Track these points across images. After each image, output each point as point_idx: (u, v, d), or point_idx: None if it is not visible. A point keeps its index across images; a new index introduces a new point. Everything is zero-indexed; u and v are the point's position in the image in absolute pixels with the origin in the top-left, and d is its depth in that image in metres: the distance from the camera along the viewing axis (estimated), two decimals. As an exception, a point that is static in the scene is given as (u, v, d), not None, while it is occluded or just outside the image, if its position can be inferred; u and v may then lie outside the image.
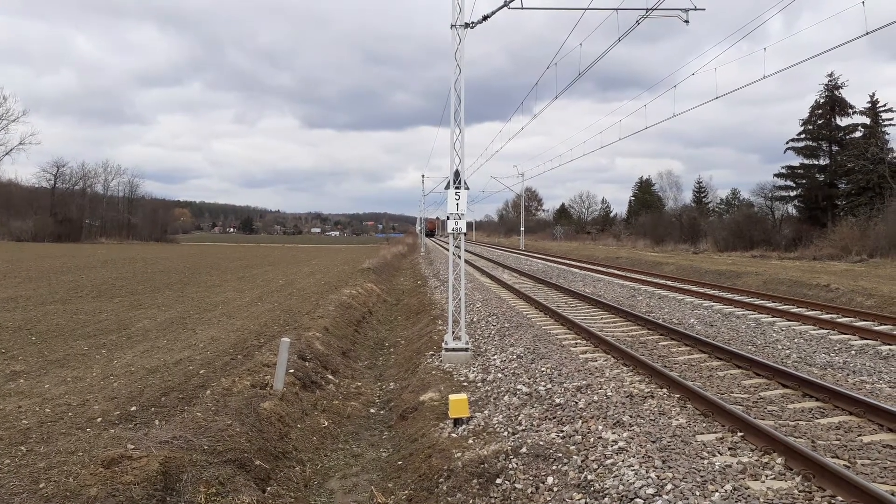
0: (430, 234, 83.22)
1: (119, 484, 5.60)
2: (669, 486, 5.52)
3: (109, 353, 12.79)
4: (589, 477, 6.06)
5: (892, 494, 5.22)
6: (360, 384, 12.04)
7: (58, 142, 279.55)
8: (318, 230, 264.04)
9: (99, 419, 8.22)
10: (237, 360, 11.88)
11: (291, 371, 10.23)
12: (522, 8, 13.13)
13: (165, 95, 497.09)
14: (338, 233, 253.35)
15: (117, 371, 11.07)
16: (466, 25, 12.55)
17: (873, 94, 51.21)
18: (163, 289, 25.74)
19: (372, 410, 10.65)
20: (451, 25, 12.41)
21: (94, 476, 5.66)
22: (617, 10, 13.89)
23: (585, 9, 13.97)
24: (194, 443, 6.73)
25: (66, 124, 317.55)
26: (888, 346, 11.82)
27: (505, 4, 13.02)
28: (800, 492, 5.44)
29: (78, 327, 15.66)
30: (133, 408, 8.79)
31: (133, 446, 6.29)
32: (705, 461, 6.08)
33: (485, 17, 12.92)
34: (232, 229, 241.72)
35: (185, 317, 17.81)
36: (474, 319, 16.01)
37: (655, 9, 13.14)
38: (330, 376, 11.71)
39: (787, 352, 11.63)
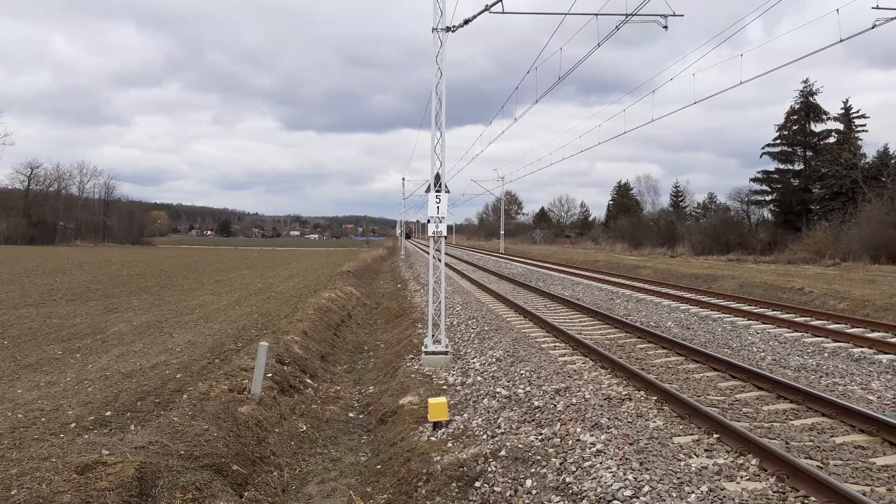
0: (408, 236, 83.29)
1: (93, 490, 5.52)
2: (647, 488, 5.57)
3: (84, 357, 12.61)
4: (567, 479, 6.09)
5: (864, 494, 5.31)
6: (339, 388, 12.00)
7: (32, 142, 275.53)
8: (297, 233, 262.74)
9: (73, 424, 8.10)
10: (215, 364, 11.78)
11: (269, 375, 10.16)
12: (503, 13, 13.19)
13: (143, 96, 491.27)
14: (317, 236, 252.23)
15: (92, 375, 10.92)
16: (448, 29, 12.59)
17: (846, 100, 52.22)
18: (139, 292, 25.44)
19: (351, 414, 10.62)
20: (433, 29, 12.44)
21: (68, 482, 5.58)
22: (597, 15, 14.00)
23: (566, 14, 14.07)
24: (171, 448, 6.65)
25: (40, 124, 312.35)
26: (860, 349, 12.03)
27: (486, 9, 13.07)
28: (774, 492, 5.51)
29: (52, 331, 15.43)
30: (108, 413, 8.67)
31: (108, 452, 6.21)
32: (682, 463, 6.14)
33: (466, 21, 12.96)
34: (209, 232, 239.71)
35: (162, 320, 17.62)
36: (454, 323, 16.02)
37: (634, 14, 13.26)
38: (308, 380, 11.64)
39: (763, 354, 11.79)
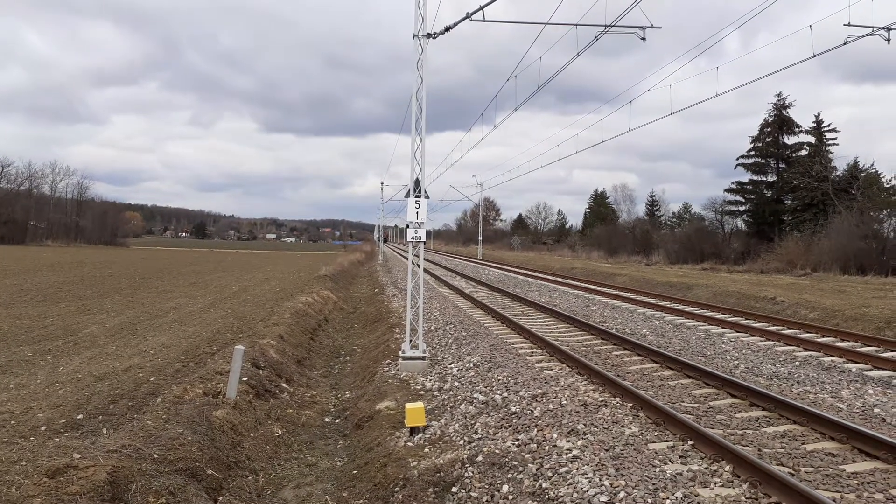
0: (384, 241, 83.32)
1: (64, 494, 5.43)
2: (622, 494, 5.62)
3: (55, 359, 12.40)
4: (544, 485, 6.12)
5: (834, 501, 5.41)
6: (315, 393, 11.92)
7: (3, 140, 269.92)
8: (273, 236, 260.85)
9: (43, 427, 7.96)
10: (189, 367, 11.65)
11: (245, 379, 10.07)
12: (484, 20, 13.26)
13: (120, 95, 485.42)
14: (294, 239, 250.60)
15: (63, 378, 10.74)
16: (429, 36, 12.62)
17: (818, 114, 53.23)
18: (112, 294, 25.07)
19: (327, 419, 10.55)
20: (414, 35, 12.46)
21: (38, 486, 5.48)
22: (576, 25, 14.13)
23: (545, 23, 14.18)
24: (144, 452, 6.57)
25: (12, 122, 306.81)
26: (830, 358, 12.25)
27: (467, 16, 13.13)
28: (747, 498, 5.59)
29: (21, 332, 15.14)
30: (79, 416, 8.54)
31: (79, 455, 6.11)
32: (657, 469, 6.20)
33: (447, 29, 13.00)
34: (184, 234, 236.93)
35: (136, 323, 17.39)
36: (432, 328, 16.02)
37: (613, 25, 13.42)
38: (284, 385, 11.56)
39: (736, 362, 11.95)
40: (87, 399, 9.35)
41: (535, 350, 12.75)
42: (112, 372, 11.18)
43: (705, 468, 6.27)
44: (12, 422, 8.19)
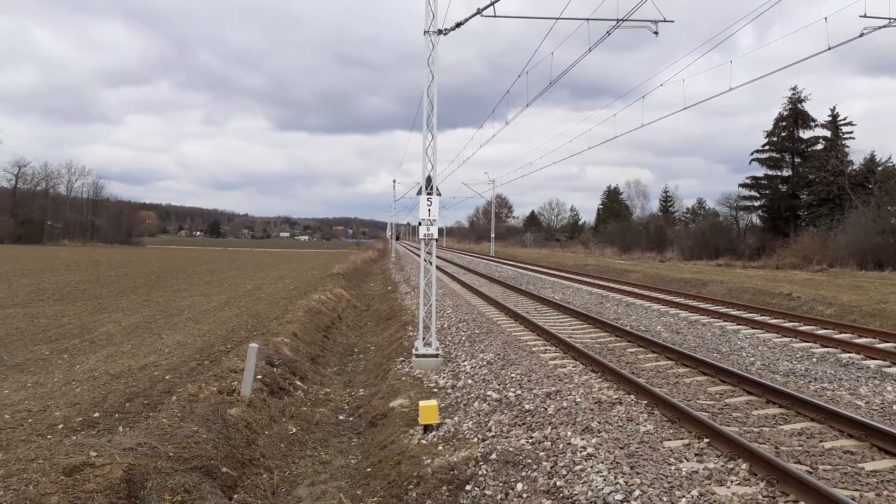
0: (396, 238, 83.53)
1: (81, 492, 5.47)
2: (637, 492, 5.58)
3: (72, 357, 12.51)
4: (558, 483, 6.09)
5: (853, 500, 5.35)
6: (329, 390, 11.96)
7: (19, 141, 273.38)
8: (286, 234, 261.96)
9: (60, 426, 8.04)
10: (204, 365, 11.72)
11: (259, 377, 10.11)
12: (495, 16, 13.21)
13: (133, 95, 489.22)
14: (307, 237, 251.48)
15: (80, 376, 10.83)
16: (440, 32, 12.59)
17: (834, 107, 52.70)
18: (127, 292, 25.28)
19: (341, 417, 10.58)
20: (425, 32, 12.44)
21: (55, 484, 5.53)
22: (588, 20, 14.06)
23: (557, 18, 14.13)
24: (159, 450, 6.61)
25: (27, 123, 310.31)
26: (848, 354, 12.11)
27: (478, 12, 13.09)
28: (764, 497, 5.53)
29: (39, 331, 15.29)
30: (96, 414, 8.61)
31: (96, 453, 6.16)
32: (672, 467, 6.15)
33: (458, 25, 12.97)
34: (199, 233, 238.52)
35: (151, 321, 17.51)
36: (445, 325, 16.01)
37: (625, 20, 13.34)
38: (298, 382, 11.60)
39: (752, 359, 11.84)
40: (103, 397, 9.43)
41: (548, 347, 12.70)
42: (128, 370, 11.26)
43: (721, 466, 6.21)
44: (30, 420, 8.27)
